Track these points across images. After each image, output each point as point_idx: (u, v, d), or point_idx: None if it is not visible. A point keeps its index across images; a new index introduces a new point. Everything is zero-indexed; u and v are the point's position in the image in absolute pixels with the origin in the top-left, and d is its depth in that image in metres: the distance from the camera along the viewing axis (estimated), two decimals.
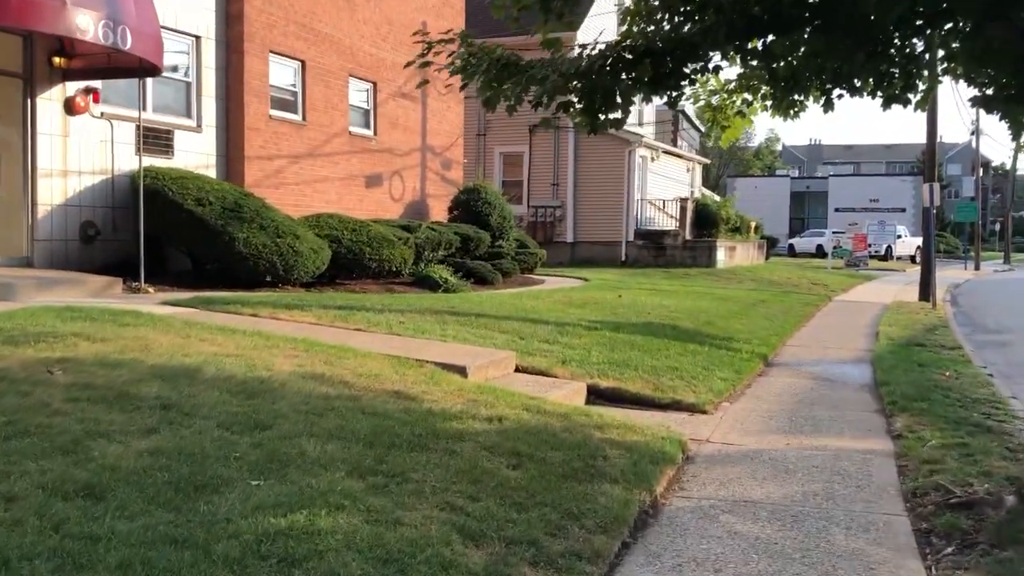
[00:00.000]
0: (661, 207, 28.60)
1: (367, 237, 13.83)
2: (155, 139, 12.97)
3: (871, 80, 5.88)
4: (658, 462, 5.58)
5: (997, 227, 79.54)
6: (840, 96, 6.19)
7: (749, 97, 7.17)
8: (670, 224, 28.10)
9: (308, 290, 12.93)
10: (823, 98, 6.21)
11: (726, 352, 10.65)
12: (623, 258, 27.09)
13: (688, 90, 6.66)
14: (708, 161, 43.87)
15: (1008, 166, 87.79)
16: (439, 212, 19.72)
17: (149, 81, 12.93)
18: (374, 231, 14.13)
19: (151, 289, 11.08)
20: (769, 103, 6.87)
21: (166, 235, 12.06)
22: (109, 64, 11.34)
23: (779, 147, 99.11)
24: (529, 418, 6.14)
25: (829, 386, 9.55)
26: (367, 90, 17.73)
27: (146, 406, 5.19)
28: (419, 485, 4.46)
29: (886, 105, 5.97)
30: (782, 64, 5.84)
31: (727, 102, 7.19)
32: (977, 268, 44.48)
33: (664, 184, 30.00)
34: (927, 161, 20.81)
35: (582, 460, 5.29)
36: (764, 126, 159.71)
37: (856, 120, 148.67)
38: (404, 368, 7.23)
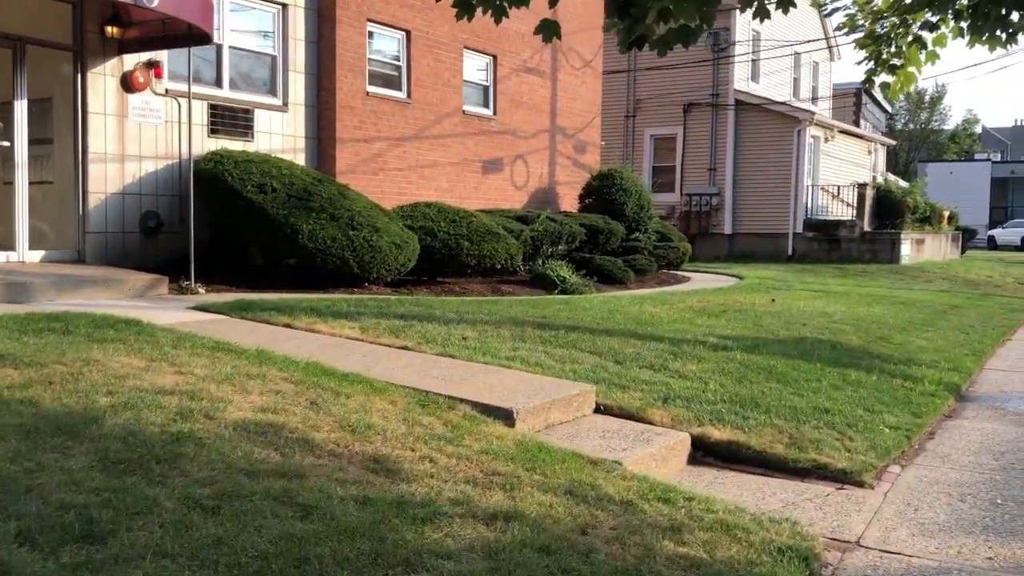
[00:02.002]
0: (835, 194, 25.21)
1: (467, 230, 11.93)
2: (231, 119, 11.57)
3: None
4: None
5: None
6: None
7: (933, 18, 4.63)
8: (846, 213, 24.69)
9: (396, 290, 11.20)
10: None
11: (902, 382, 8.00)
12: (790, 252, 24.00)
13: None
14: (893, 142, 39.36)
15: None
16: (570, 201, 17.61)
17: (226, 55, 11.56)
18: (476, 223, 12.21)
19: (202, 289, 9.62)
20: (965, 24, 4.34)
21: (226, 227, 10.61)
22: (165, 32, 9.95)
23: (978, 129, 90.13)
24: (565, 511, 3.98)
25: None
26: (486, 64, 15.84)
27: None
28: None
29: None
30: None
31: (897, 31, 4.69)
32: None
33: (840, 168, 26.53)
34: None
35: None
36: (961, 105, 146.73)
37: None
38: (422, 412, 5.24)
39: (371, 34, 13.40)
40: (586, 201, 17.20)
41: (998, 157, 77.16)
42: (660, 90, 25.15)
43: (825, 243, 23.93)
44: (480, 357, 6.91)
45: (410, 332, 7.57)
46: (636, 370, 7.16)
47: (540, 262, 13.97)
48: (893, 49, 4.89)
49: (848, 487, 5.42)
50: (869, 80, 5.42)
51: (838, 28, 5.45)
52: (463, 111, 15.19)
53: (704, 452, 5.88)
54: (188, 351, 6.05)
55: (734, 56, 24.12)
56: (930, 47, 4.81)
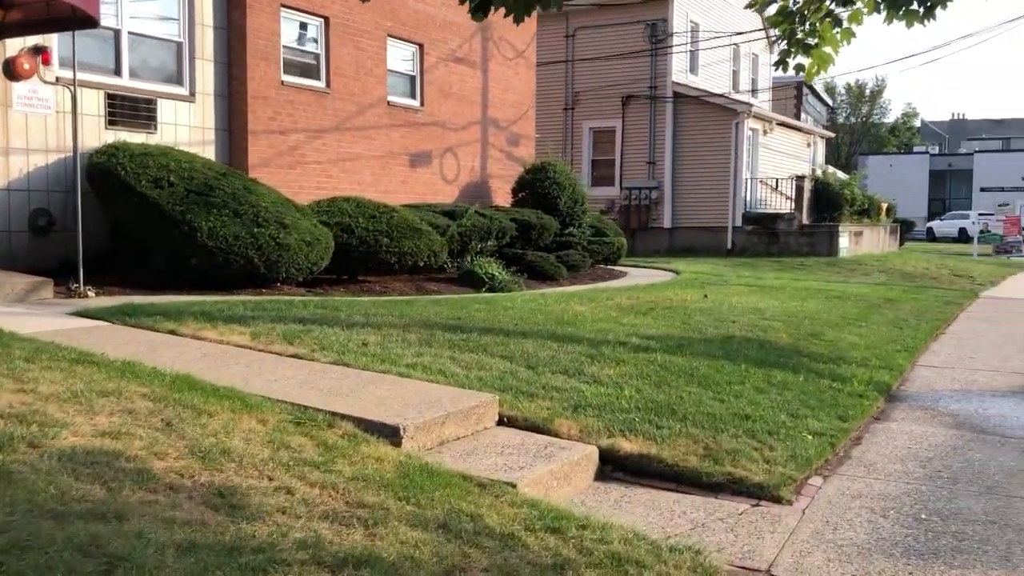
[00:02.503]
0: (775, 187, 25.09)
1: (387, 226, 11.36)
2: (131, 110, 10.85)
3: None
4: None
5: None
6: None
7: None
8: (785, 206, 24.57)
9: (311, 291, 10.60)
10: None
11: (830, 382, 7.64)
12: (729, 246, 23.82)
13: None
14: (832, 135, 39.55)
15: None
16: (503, 195, 17.12)
17: (124, 41, 10.83)
18: (397, 218, 11.65)
19: (92, 293, 8.93)
20: None
21: (123, 225, 9.91)
22: (49, 15, 9.21)
23: (917, 122, 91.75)
24: (431, 552, 3.47)
25: (982, 442, 6.46)
26: (412, 53, 15.24)
27: None
28: None
29: None
30: None
31: (810, 6, 4.26)
32: None
33: (779, 161, 26.42)
34: None
35: None
36: (900, 99, 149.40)
37: (1005, 91, 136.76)
38: (295, 432, 4.69)
39: (286, 20, 12.73)
40: (519, 195, 16.72)
41: (936, 150, 78.61)
42: (598, 82, 24.76)
43: (764, 236, 23.78)
44: (377, 365, 6.37)
45: (306, 338, 7.00)
46: (549, 376, 6.68)
47: (469, 259, 13.46)
48: (807, 27, 4.47)
49: (764, 504, 5.00)
50: (783, 61, 5.02)
51: (748, 6, 5.13)
52: (388, 102, 14.60)
53: (613, 466, 5.43)
54: (42, 364, 5.42)
55: (672, 47, 23.82)
56: (845, 24, 4.40)
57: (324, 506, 3.78)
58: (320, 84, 13.33)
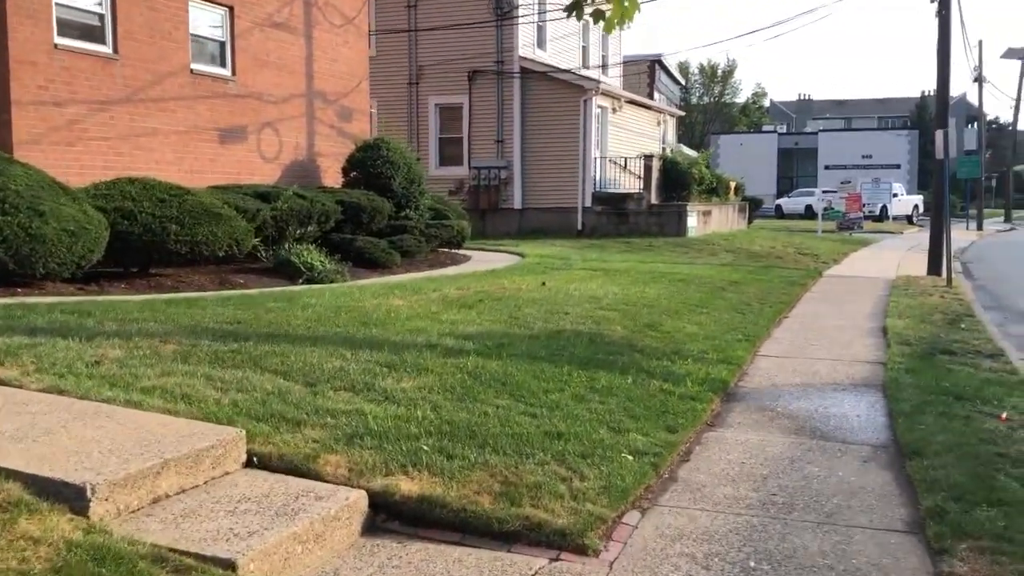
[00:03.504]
0: (624, 166, 24.62)
1: (177, 211, 9.91)
2: None
3: None
4: None
5: (993, 183, 76.09)
6: None
7: None
8: (635, 186, 24.13)
9: (83, 288, 9.07)
10: None
11: (661, 383, 6.83)
12: (580, 227, 23.19)
13: None
14: (682, 113, 39.77)
15: (1003, 120, 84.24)
16: (334, 175, 15.77)
17: None
18: (192, 202, 10.20)
19: None
20: None
21: None
22: None
23: (767, 103, 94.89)
24: None
25: (822, 451, 5.76)
26: (221, 17, 13.67)
27: None
28: None
29: None
30: None
31: None
32: (980, 228, 40.91)
33: (629, 140, 26.00)
34: (939, 98, 16.87)
35: None
36: (751, 79, 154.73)
37: (847, 73, 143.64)
38: None
39: None
40: (351, 175, 15.43)
41: (784, 129, 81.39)
42: (444, 55, 23.59)
43: (614, 217, 23.28)
44: (104, 391, 5.07)
45: (24, 355, 5.61)
46: (329, 395, 5.55)
47: (287, 246, 12.12)
48: None
49: (566, 557, 4.06)
50: (577, 5, 4.10)
51: None
52: (192, 70, 13.00)
53: (388, 515, 4.37)
54: None
55: (518, 19, 22.89)
56: None
57: None
58: (106, 49, 11.63)
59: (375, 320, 7.92)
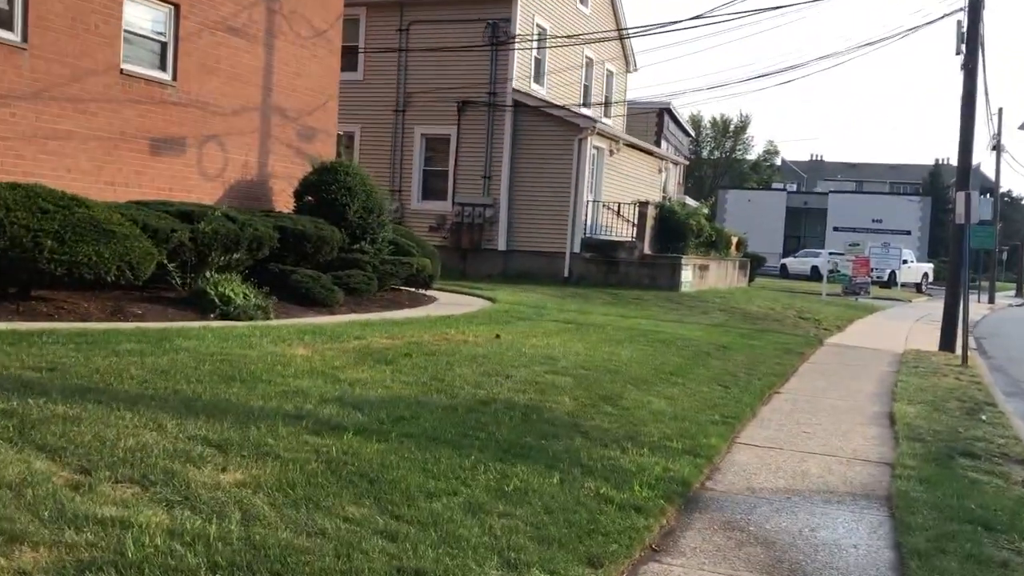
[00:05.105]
0: (618, 212, 23.07)
1: (59, 224, 8.34)
2: None
3: None
4: None
5: (1003, 256, 74.70)
6: None
7: None
8: (628, 234, 22.56)
9: None
10: None
11: (598, 484, 5.17)
12: (566, 274, 21.59)
13: None
14: (686, 161, 38.38)
15: (1015, 194, 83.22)
16: (287, 199, 14.23)
17: None
18: (82, 215, 8.64)
19: None
20: None
21: None
22: None
23: (778, 160, 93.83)
24: None
25: None
26: (164, 15, 12.22)
27: None
28: None
29: None
30: None
31: None
32: (992, 301, 39.26)
33: (627, 186, 24.48)
34: (960, 157, 15.32)
35: None
36: (763, 137, 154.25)
37: (861, 137, 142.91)
38: None
39: None
40: (304, 199, 13.89)
41: (794, 188, 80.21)
42: (434, 83, 22.20)
43: (604, 265, 21.68)
44: None
45: None
46: (103, 489, 3.91)
47: (208, 274, 10.53)
48: None
49: None
50: None
51: None
52: (122, 70, 11.52)
53: None
54: None
55: (514, 48, 21.52)
56: None
57: None
58: (12, 36, 10.16)
59: (247, 375, 6.27)
